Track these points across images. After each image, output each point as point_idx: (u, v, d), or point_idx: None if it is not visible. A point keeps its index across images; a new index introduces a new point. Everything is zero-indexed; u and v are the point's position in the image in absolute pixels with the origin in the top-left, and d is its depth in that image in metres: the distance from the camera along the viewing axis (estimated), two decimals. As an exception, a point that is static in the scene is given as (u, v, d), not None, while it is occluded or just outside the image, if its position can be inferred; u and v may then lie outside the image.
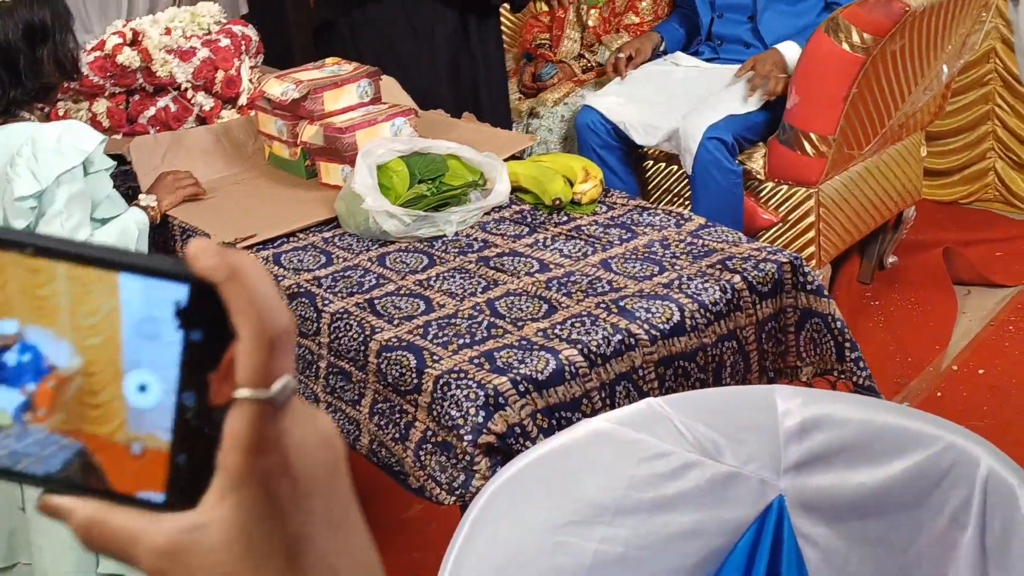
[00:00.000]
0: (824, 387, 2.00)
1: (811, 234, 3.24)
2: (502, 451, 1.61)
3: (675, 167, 3.37)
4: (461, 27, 3.19)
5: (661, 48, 3.54)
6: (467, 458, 1.60)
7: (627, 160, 3.42)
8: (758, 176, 3.26)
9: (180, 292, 0.48)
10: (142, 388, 0.48)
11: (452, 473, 1.63)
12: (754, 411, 1.30)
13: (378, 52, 2.97)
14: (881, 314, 3.54)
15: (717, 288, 1.86)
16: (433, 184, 2.19)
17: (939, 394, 3.12)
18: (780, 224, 3.27)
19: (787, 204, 3.24)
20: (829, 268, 3.34)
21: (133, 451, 0.49)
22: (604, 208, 2.21)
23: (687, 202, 3.29)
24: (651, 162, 3.48)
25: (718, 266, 1.92)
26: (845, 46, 2.99)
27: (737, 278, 1.88)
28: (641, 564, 1.27)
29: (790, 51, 3.22)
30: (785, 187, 3.23)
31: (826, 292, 1.94)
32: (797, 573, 1.29)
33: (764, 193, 3.27)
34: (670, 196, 3.45)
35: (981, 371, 3.21)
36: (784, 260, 1.93)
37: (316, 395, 1.89)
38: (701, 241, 2.02)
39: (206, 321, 0.48)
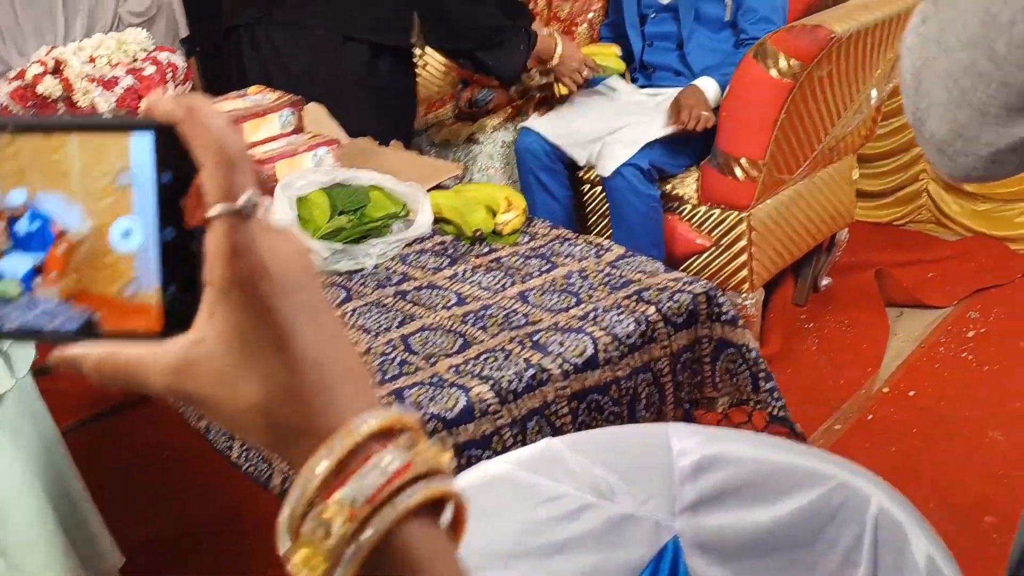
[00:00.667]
0: (741, 417, 2.02)
1: (743, 257, 3.26)
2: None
3: (609, 191, 3.38)
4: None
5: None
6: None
7: (566, 183, 3.44)
8: (691, 200, 3.28)
9: (148, 140, 0.54)
10: (126, 234, 0.54)
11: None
12: (650, 451, 1.30)
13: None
14: (815, 336, 3.56)
15: (632, 320, 1.86)
16: (354, 216, 2.18)
17: (870, 416, 3.15)
18: (713, 248, 3.29)
19: (719, 228, 3.26)
20: (762, 292, 3.36)
21: (129, 297, 0.55)
22: (526, 238, 2.21)
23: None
24: (588, 186, 3.49)
25: (634, 297, 1.93)
26: (773, 72, 3.02)
27: (652, 309, 1.89)
28: (536, 608, 1.27)
29: (707, 85, 3.27)
30: (717, 211, 3.25)
31: (741, 322, 1.95)
32: (693, 613, 1.29)
33: (697, 217, 3.29)
34: (607, 220, 3.46)
35: (912, 393, 3.24)
36: (699, 291, 1.94)
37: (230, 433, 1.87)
38: (619, 272, 2.03)
39: (172, 162, 0.53)
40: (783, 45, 3.00)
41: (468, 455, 1.68)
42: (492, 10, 3.10)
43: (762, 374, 1.94)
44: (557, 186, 3.41)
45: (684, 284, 1.95)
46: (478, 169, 3.49)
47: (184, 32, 5.10)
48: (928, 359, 3.40)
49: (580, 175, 3.47)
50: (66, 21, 4.68)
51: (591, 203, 3.53)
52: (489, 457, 1.69)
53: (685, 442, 1.29)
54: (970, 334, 3.50)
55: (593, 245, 2.14)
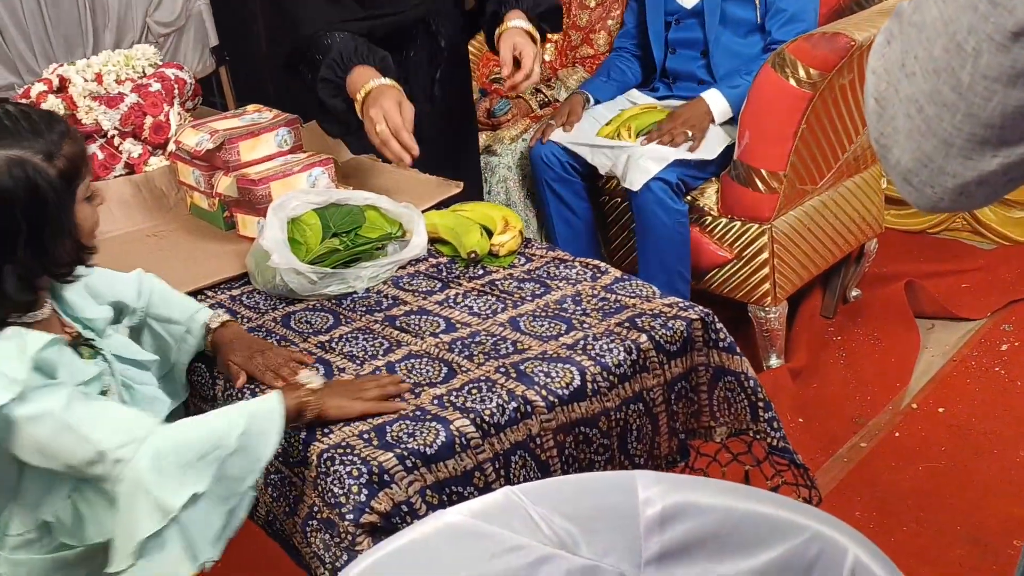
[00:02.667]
0: (740, 447, 1.94)
1: (766, 270, 3.18)
2: (387, 530, 1.54)
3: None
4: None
5: (589, 105, 3.48)
6: (349, 537, 1.53)
7: (583, 194, 3.37)
8: (711, 212, 3.21)
9: None
10: None
11: (335, 552, 1.57)
12: (614, 499, 1.24)
13: None
14: (843, 350, 3.47)
15: (622, 349, 1.80)
16: (348, 237, 2.13)
17: (897, 434, 3.06)
18: (735, 260, 3.22)
19: (741, 240, 3.19)
20: (786, 305, 3.28)
21: None
22: (522, 260, 2.15)
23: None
24: (607, 197, 3.43)
25: (626, 324, 1.86)
26: (792, 81, 2.94)
27: (644, 337, 1.82)
28: (492, 664, 1.21)
29: (714, 99, 3.19)
30: (738, 223, 3.18)
31: (738, 349, 1.87)
32: (659, 671, 1.23)
33: (718, 230, 3.21)
34: (627, 232, 3.40)
35: (941, 409, 3.14)
36: (695, 317, 1.87)
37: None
38: (614, 296, 1.96)
39: None
40: (802, 54, 2.91)
41: (449, 491, 1.62)
42: None
43: (761, 403, 1.87)
44: (573, 197, 3.35)
45: (680, 310, 1.88)
46: (496, 181, 3.43)
47: (214, 41, 5.10)
48: (959, 374, 3.30)
49: (599, 185, 3.40)
50: (95, 32, 4.69)
51: (610, 215, 3.46)
52: (472, 494, 1.63)
53: (651, 490, 1.23)
54: (1004, 347, 3.40)
55: (589, 268, 2.07)
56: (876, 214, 3.54)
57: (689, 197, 3.21)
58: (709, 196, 3.21)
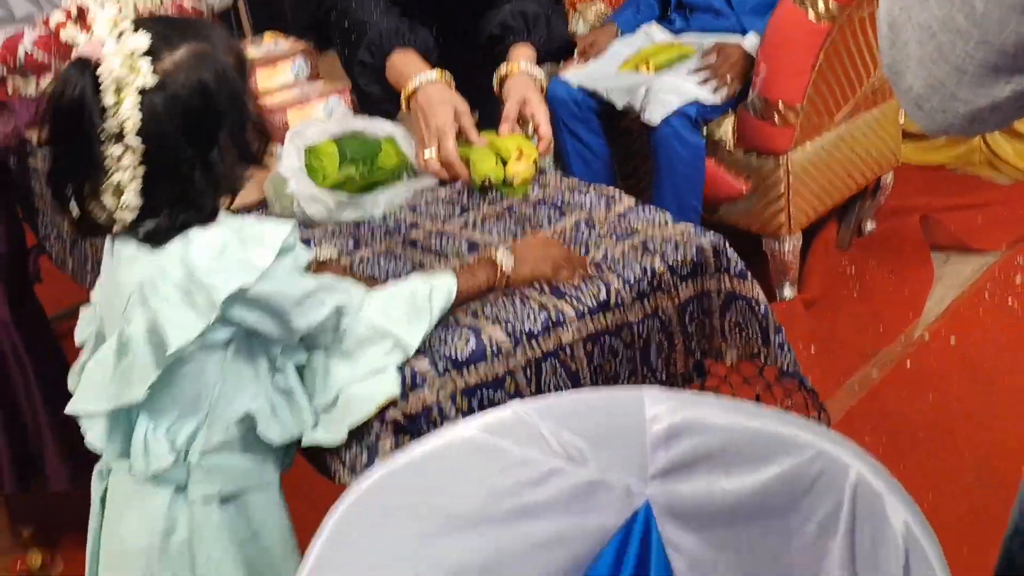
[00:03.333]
0: (751, 371, 1.97)
1: (781, 203, 3.20)
2: (410, 432, 1.59)
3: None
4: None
5: (619, 36, 3.47)
6: (371, 435, 1.58)
7: (600, 131, 3.37)
8: (727, 145, 3.21)
9: None
10: None
11: (356, 449, 1.61)
12: (622, 416, 1.27)
13: None
14: (856, 282, 3.49)
15: (639, 268, 1.83)
16: (364, 166, 2.15)
17: (908, 364, 3.08)
18: (750, 193, 3.23)
19: (756, 173, 3.19)
20: (800, 237, 3.30)
21: None
22: (537, 188, 2.17)
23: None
24: (623, 131, 3.43)
25: (640, 247, 1.89)
26: (811, 15, 2.93)
27: (658, 260, 1.85)
28: (502, 574, 1.25)
29: (753, 42, 3.18)
30: (754, 156, 3.18)
31: (750, 275, 1.90)
32: (665, 581, 1.27)
33: (733, 162, 3.22)
34: (643, 165, 3.41)
35: (953, 341, 3.17)
36: (707, 243, 1.89)
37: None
38: (627, 222, 1.99)
39: None
40: (820, -15, 2.90)
41: (480, 395, 1.67)
42: None
43: (772, 328, 1.89)
44: (589, 134, 3.35)
45: (692, 236, 1.91)
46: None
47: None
48: (972, 306, 3.32)
49: (615, 120, 3.40)
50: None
51: (625, 149, 3.47)
52: (502, 399, 1.67)
53: (659, 407, 1.26)
54: (1018, 280, 3.41)
55: (603, 195, 2.09)
56: (893, 148, 3.53)
57: (704, 130, 3.21)
58: (725, 129, 3.21)
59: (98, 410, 1.53)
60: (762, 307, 1.90)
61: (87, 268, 2.37)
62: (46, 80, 2.73)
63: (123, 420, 1.58)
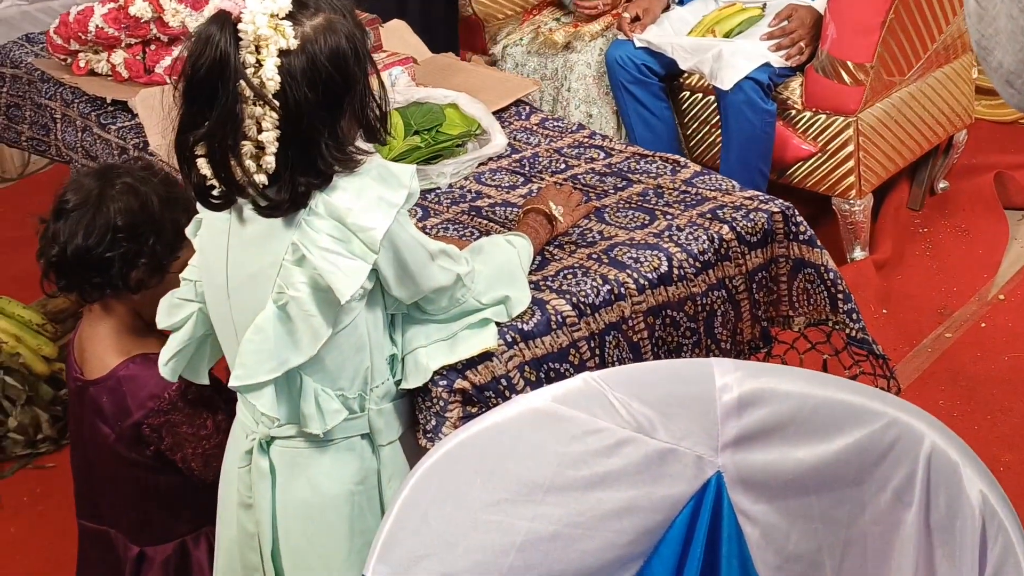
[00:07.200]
0: (819, 337, 1.96)
1: (850, 164, 3.15)
2: (477, 402, 1.60)
3: (711, 98, 3.28)
4: None
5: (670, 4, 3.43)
6: (440, 403, 1.59)
7: (661, 95, 3.34)
8: (795, 106, 3.17)
9: None
10: None
11: (426, 416, 1.63)
12: (691, 386, 1.27)
13: None
14: (929, 242, 3.44)
15: (705, 238, 1.82)
16: (429, 135, 2.16)
17: (983, 324, 3.04)
18: (819, 154, 3.18)
19: (825, 134, 3.15)
20: (871, 198, 3.25)
21: None
22: (602, 155, 2.16)
23: (723, 133, 3.21)
24: (687, 93, 3.40)
25: (708, 215, 1.88)
26: (880, -31, 2.87)
27: (726, 228, 1.84)
28: (574, 542, 1.26)
29: (823, 1, 3.12)
30: (823, 116, 3.14)
31: (818, 242, 1.88)
32: (737, 551, 1.27)
33: (802, 123, 3.18)
34: (708, 127, 3.37)
35: (1029, 300, 3.11)
36: (775, 210, 1.87)
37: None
38: (695, 189, 1.97)
39: None
40: (890, -60, 2.84)
41: (547, 368, 1.68)
42: None
43: (841, 295, 1.88)
44: (651, 99, 3.30)
45: (760, 203, 1.89)
46: (576, 78, 3.41)
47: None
48: (1048, 265, 3.26)
49: (679, 82, 3.36)
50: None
51: (690, 111, 3.43)
52: (568, 371, 1.68)
53: (728, 377, 1.26)
54: (1095, 238, 3.34)
55: (669, 162, 2.08)
56: (966, 105, 3.46)
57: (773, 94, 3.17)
58: (793, 89, 3.17)
59: (268, 379, 1.50)
60: (831, 274, 1.89)
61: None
62: (116, 55, 2.76)
63: (283, 388, 1.55)
